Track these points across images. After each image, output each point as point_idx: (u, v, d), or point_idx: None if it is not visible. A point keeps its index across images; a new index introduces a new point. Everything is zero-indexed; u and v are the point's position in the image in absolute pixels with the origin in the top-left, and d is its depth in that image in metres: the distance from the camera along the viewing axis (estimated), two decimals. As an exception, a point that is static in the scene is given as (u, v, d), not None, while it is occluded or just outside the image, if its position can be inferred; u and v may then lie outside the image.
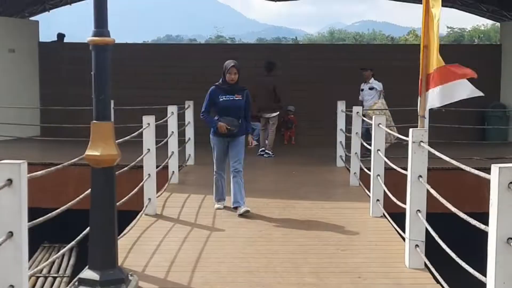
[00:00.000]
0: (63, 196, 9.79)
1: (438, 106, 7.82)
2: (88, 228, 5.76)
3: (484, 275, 4.14)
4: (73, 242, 5.90)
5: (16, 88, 17.25)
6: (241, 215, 8.73)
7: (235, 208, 8.93)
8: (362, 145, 12.12)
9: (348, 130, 12.50)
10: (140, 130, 8.87)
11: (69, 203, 5.87)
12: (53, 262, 10.14)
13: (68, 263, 10.52)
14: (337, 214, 9.10)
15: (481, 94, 7.49)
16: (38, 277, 9.66)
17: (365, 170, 10.09)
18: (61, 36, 19.77)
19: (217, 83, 8.99)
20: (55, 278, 9.87)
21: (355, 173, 11.30)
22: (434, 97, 7.55)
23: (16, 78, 17.37)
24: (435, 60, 7.41)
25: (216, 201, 9.33)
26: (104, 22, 5.51)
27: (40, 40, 19.01)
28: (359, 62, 17.52)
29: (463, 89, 7.47)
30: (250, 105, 9.11)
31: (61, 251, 5.87)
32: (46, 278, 9.80)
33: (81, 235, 6.00)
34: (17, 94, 17.19)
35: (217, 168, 9.21)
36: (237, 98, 8.88)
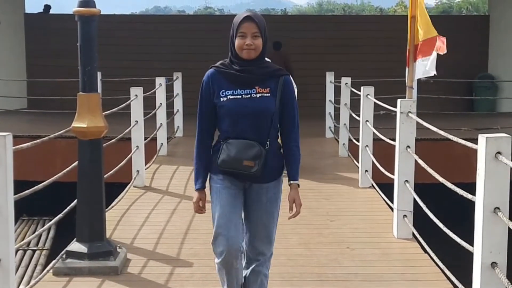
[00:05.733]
0: (50, 168, 9.76)
1: (422, 77, 7.81)
2: (75, 201, 5.75)
3: (472, 244, 4.16)
4: (60, 215, 5.88)
5: (2, 60, 17.07)
6: None
7: None
8: None
9: (337, 101, 12.48)
10: (128, 102, 8.83)
11: (55, 176, 5.85)
12: (32, 235, 10.13)
13: (47, 236, 10.47)
14: (326, 184, 9.12)
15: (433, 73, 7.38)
16: (17, 250, 9.64)
17: (354, 141, 10.10)
18: (47, 7, 19.58)
19: (218, 64, 4.17)
20: (34, 251, 9.85)
21: (343, 144, 11.31)
22: (419, 68, 7.54)
23: (2, 50, 17.19)
24: (427, 30, 7.37)
25: None
26: (90, -8, 5.47)
27: (26, 11, 18.81)
28: (348, 33, 17.52)
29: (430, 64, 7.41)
30: (295, 109, 4.20)
31: (48, 224, 5.86)
32: (25, 251, 9.77)
33: (68, 208, 5.98)
34: (3, 66, 17.01)
35: (224, 250, 4.10)
36: (259, 94, 4.08)
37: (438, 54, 7.27)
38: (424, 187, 7.55)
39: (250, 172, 4.07)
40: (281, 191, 4.35)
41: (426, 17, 7.37)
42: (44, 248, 9.99)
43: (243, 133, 4.08)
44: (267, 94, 4.10)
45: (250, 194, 4.25)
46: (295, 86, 7.75)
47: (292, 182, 4.24)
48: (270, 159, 4.12)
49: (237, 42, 4.03)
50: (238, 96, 4.08)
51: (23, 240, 9.50)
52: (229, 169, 4.11)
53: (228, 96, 4.08)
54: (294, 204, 4.21)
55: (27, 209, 11.32)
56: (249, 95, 4.08)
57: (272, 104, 4.09)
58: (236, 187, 4.20)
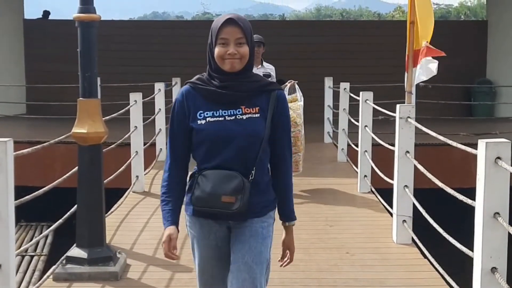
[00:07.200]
0: (51, 174, 9.77)
1: (421, 82, 7.81)
2: (75, 206, 5.76)
3: (471, 249, 4.17)
4: (60, 220, 5.88)
5: (1, 65, 17.08)
6: None
7: None
8: None
9: (335, 106, 12.49)
10: (127, 107, 8.84)
11: (56, 181, 5.85)
12: (30, 241, 10.10)
13: (45, 242, 10.45)
14: (325, 190, 9.12)
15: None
16: (15, 256, 9.62)
17: (353, 146, 10.11)
18: (46, 13, 19.62)
19: (194, 79, 3.43)
20: (32, 256, 9.83)
21: (342, 149, 11.31)
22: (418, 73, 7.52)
23: (1, 55, 17.19)
24: (427, 35, 7.34)
25: None
26: (90, -2, 5.48)
27: (25, 17, 18.82)
28: (346, 38, 17.55)
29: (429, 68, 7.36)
30: (289, 133, 3.50)
31: (48, 230, 5.86)
32: (23, 257, 9.75)
33: (68, 214, 5.98)
34: (2, 71, 17.03)
35: None
36: (246, 115, 3.33)
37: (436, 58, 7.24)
38: (424, 192, 7.55)
39: (230, 210, 3.26)
40: (272, 228, 3.50)
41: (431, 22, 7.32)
42: (42, 254, 9.98)
43: (225, 163, 3.28)
44: (256, 115, 3.33)
45: (234, 232, 3.44)
46: (302, 99, 7.62)
47: (288, 223, 3.49)
48: (258, 193, 3.33)
49: (217, 51, 3.28)
50: (220, 118, 3.30)
51: (21, 245, 9.49)
52: (205, 207, 3.33)
53: (208, 118, 3.30)
54: (287, 252, 3.52)
55: (25, 215, 11.32)
56: (233, 117, 3.30)
57: (262, 126, 3.32)
58: (215, 236, 3.45)
